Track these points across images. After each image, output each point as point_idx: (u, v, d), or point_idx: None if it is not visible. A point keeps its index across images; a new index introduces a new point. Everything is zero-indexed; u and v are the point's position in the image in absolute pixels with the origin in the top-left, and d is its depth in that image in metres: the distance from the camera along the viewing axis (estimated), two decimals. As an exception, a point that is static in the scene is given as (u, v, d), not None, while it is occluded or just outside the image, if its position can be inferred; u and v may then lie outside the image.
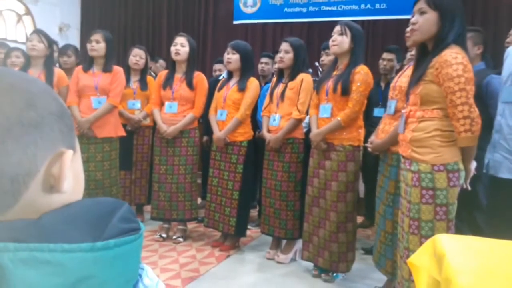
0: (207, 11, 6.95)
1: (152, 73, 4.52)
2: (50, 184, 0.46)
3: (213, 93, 3.51)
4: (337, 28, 2.76)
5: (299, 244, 3.16)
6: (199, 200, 3.89)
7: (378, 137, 2.53)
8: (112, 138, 3.38)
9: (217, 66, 4.74)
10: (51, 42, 3.43)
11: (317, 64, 4.08)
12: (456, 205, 1.93)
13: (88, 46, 3.35)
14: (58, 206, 0.46)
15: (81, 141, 3.26)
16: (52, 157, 0.46)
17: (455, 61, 1.83)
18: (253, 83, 3.32)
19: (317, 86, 2.90)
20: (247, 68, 3.35)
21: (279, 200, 3.15)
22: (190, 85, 3.40)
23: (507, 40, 3.10)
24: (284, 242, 3.29)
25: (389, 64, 3.74)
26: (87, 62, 3.43)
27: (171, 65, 3.54)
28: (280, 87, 3.19)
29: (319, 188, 2.82)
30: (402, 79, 2.44)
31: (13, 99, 0.44)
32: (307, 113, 3.07)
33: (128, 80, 3.78)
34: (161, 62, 5.29)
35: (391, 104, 2.46)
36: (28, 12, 6.81)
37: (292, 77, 3.13)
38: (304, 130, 3.20)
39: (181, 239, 3.50)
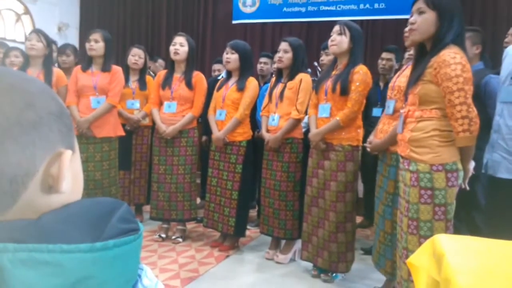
0: (206, 11, 6.95)
1: (151, 73, 4.52)
2: (48, 184, 0.46)
3: (212, 93, 3.51)
4: (336, 28, 2.76)
5: (298, 244, 3.16)
6: (198, 200, 3.89)
7: (377, 137, 2.53)
8: (111, 138, 3.38)
9: (216, 66, 4.74)
10: (50, 42, 3.42)
11: (316, 64, 4.08)
12: (454, 205, 1.94)
13: (87, 45, 3.35)
14: (57, 207, 0.46)
15: (80, 141, 3.25)
16: (51, 157, 0.45)
17: (453, 61, 1.83)
18: (252, 83, 3.31)
19: (316, 85, 2.90)
20: (246, 68, 3.35)
21: (278, 200, 3.15)
22: (189, 84, 3.40)
23: (506, 40, 3.10)
24: (283, 242, 3.29)
25: (388, 64, 3.74)
26: (86, 61, 3.42)
27: (170, 65, 3.54)
28: (279, 87, 3.19)
29: (318, 188, 2.82)
30: (401, 79, 2.44)
31: (12, 99, 0.43)
32: (306, 113, 3.08)
33: (127, 79, 3.77)
34: (160, 61, 5.28)
35: (390, 104, 2.46)
36: (27, 12, 6.80)
37: (291, 77, 3.12)
38: (303, 130, 3.20)
39: (180, 239, 3.50)
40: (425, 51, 2.00)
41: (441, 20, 1.91)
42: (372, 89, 2.97)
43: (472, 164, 1.97)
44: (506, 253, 1.31)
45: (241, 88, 3.28)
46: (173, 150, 3.45)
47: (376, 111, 3.63)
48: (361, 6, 5.85)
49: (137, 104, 3.89)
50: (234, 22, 6.57)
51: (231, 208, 3.30)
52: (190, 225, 3.80)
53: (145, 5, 7.28)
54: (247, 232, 3.55)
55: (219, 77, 4.01)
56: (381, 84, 3.81)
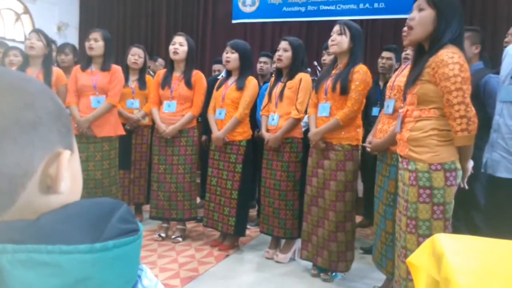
0: (206, 10, 6.95)
1: (151, 72, 4.51)
2: (47, 185, 0.45)
3: (212, 92, 3.51)
4: (336, 27, 2.76)
5: (298, 243, 3.16)
6: (198, 200, 3.89)
7: (376, 136, 2.53)
8: (111, 138, 3.38)
9: (216, 67, 4.73)
10: (49, 41, 3.42)
11: (315, 63, 4.08)
12: (453, 204, 1.94)
13: (87, 44, 3.34)
14: (56, 207, 0.46)
15: (80, 141, 3.25)
16: (50, 158, 0.45)
17: (451, 60, 1.83)
18: (251, 82, 3.31)
19: (316, 85, 2.90)
20: (246, 67, 3.35)
21: (278, 200, 3.15)
22: (188, 84, 3.40)
23: (506, 39, 3.10)
24: (283, 241, 3.29)
25: (388, 63, 3.75)
26: (85, 61, 3.42)
27: (170, 64, 3.54)
28: (279, 86, 3.18)
29: (317, 187, 2.82)
30: (400, 79, 2.44)
31: (11, 99, 0.43)
32: (305, 112, 3.08)
33: (126, 79, 3.77)
34: (160, 61, 5.28)
35: (390, 104, 2.46)
36: (27, 11, 6.80)
37: (291, 77, 3.12)
38: (303, 129, 3.20)
39: (180, 239, 3.50)
40: (424, 51, 2.01)
41: (440, 19, 1.91)
42: (372, 89, 2.97)
43: (470, 163, 1.97)
44: (506, 252, 1.31)
45: (240, 87, 3.28)
46: (173, 150, 3.45)
47: (375, 111, 3.63)
48: (361, 5, 5.85)
49: (137, 104, 3.89)
50: (233, 21, 6.58)
51: (231, 207, 3.30)
52: (190, 225, 3.80)
53: (144, 5, 7.28)
54: (247, 232, 3.55)
55: (219, 77, 4.01)
56: (381, 84, 3.81)
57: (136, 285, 0.50)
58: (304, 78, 3.09)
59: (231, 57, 3.32)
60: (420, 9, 1.94)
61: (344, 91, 2.69)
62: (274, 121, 3.14)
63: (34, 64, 3.33)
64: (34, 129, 0.44)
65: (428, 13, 1.92)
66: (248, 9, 6.46)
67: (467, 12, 5.16)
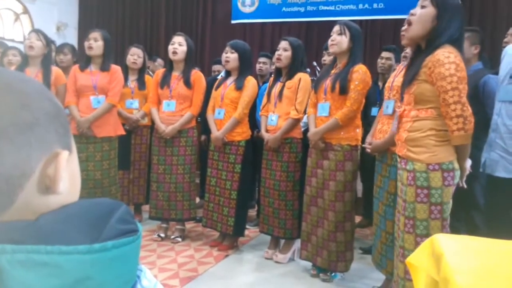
0: (205, 11, 6.95)
1: (150, 72, 4.51)
2: (45, 185, 0.45)
3: (211, 92, 3.50)
4: (336, 28, 2.77)
5: (297, 243, 3.16)
6: (197, 200, 3.89)
7: (376, 137, 2.53)
8: (111, 138, 3.38)
9: (215, 67, 4.73)
10: (49, 41, 3.42)
11: (315, 63, 4.08)
12: (451, 204, 1.94)
13: (86, 44, 3.34)
14: (56, 207, 0.46)
15: (80, 141, 3.25)
16: (47, 158, 0.45)
17: (447, 60, 1.84)
18: (250, 82, 3.31)
19: (315, 85, 2.90)
20: (245, 68, 3.35)
21: (278, 200, 3.15)
22: (187, 83, 3.40)
23: (505, 39, 3.11)
24: (282, 241, 3.29)
25: (387, 63, 3.75)
26: (84, 61, 3.42)
27: (169, 64, 3.54)
28: (278, 86, 3.18)
29: (317, 187, 2.83)
30: (399, 79, 2.44)
31: (8, 99, 0.43)
32: (305, 112, 3.08)
33: (126, 79, 3.76)
34: (159, 61, 5.28)
35: (389, 104, 2.46)
36: (26, 11, 6.80)
37: (290, 76, 3.12)
38: (303, 129, 3.20)
39: (179, 239, 3.50)
40: (421, 52, 2.01)
41: (440, 18, 1.91)
42: (371, 89, 2.97)
43: (468, 162, 1.98)
44: (505, 252, 1.31)
45: (239, 87, 3.28)
46: (172, 150, 3.45)
47: (375, 111, 3.62)
48: (360, 6, 5.86)
49: (136, 104, 3.89)
50: (233, 22, 6.58)
51: (230, 207, 3.30)
52: (189, 225, 3.80)
53: (144, 5, 7.28)
54: (246, 232, 3.56)
55: (218, 76, 4.01)
56: (380, 84, 3.81)
57: (135, 285, 0.50)
58: (303, 78, 3.09)
59: (230, 57, 3.32)
60: (422, 6, 1.95)
61: (343, 90, 2.69)
62: (273, 121, 3.14)
63: (33, 64, 3.33)
64: (31, 130, 0.44)
65: (429, 11, 1.93)
66: (247, 10, 6.46)
67: (466, 12, 5.16)
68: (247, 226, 3.63)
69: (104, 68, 3.34)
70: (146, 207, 3.85)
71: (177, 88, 3.41)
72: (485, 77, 2.78)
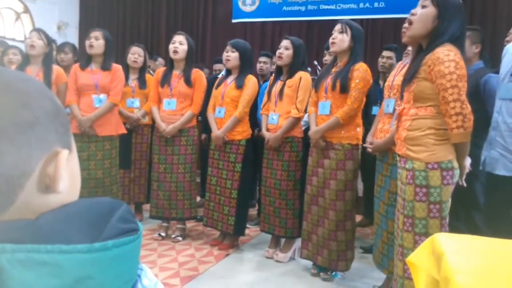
0: (206, 10, 6.95)
1: (151, 72, 4.51)
2: (45, 184, 0.45)
3: (212, 91, 3.50)
4: (338, 26, 2.76)
5: (298, 242, 3.16)
6: (198, 198, 3.89)
7: (377, 136, 2.52)
8: (112, 137, 3.38)
9: (217, 66, 4.74)
10: (50, 41, 3.42)
11: (315, 63, 4.08)
12: (449, 203, 1.94)
13: (87, 42, 3.34)
14: (56, 207, 0.46)
15: (82, 140, 3.26)
16: (47, 157, 0.45)
17: (447, 58, 1.84)
18: (250, 80, 3.31)
19: (316, 83, 2.90)
20: (246, 66, 3.35)
21: (279, 199, 3.15)
22: (188, 81, 3.40)
23: (507, 38, 3.10)
24: (283, 240, 3.29)
25: (388, 62, 3.75)
26: (85, 60, 3.42)
27: (169, 63, 3.54)
28: (278, 84, 3.18)
29: (318, 186, 2.83)
30: (399, 78, 2.44)
31: (8, 99, 0.43)
32: (305, 111, 3.08)
33: (126, 78, 3.76)
34: (160, 60, 5.28)
35: (390, 103, 2.46)
36: (27, 10, 6.80)
37: (291, 75, 3.12)
38: (303, 128, 3.20)
39: (180, 238, 3.50)
40: (422, 50, 2.01)
41: (441, 18, 1.91)
42: (372, 87, 2.97)
43: (468, 161, 1.98)
44: (505, 252, 1.31)
45: (240, 85, 3.28)
46: (173, 149, 3.45)
47: (375, 110, 3.62)
48: (361, 5, 5.85)
49: (137, 103, 3.89)
50: (234, 21, 6.58)
51: (230, 207, 3.30)
52: (190, 224, 3.81)
53: (144, 5, 7.28)
54: (247, 231, 3.56)
55: (219, 75, 4.01)
56: (381, 83, 3.81)
57: (136, 284, 0.50)
58: (304, 76, 3.09)
59: (231, 56, 3.32)
60: (423, 6, 1.95)
61: (344, 89, 2.69)
62: (274, 120, 3.14)
63: (35, 62, 3.33)
64: (31, 129, 0.44)
65: (430, 11, 1.93)
66: (248, 9, 6.46)
67: (467, 11, 5.15)
68: (247, 225, 3.63)
69: (105, 67, 3.34)
70: (146, 206, 3.85)
71: (178, 86, 3.41)
72: (486, 76, 2.78)
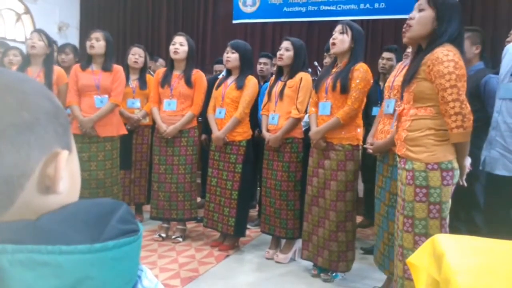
0: (206, 11, 6.96)
1: (152, 72, 4.52)
2: (45, 185, 0.45)
3: (212, 91, 3.50)
4: (338, 27, 2.77)
5: (298, 243, 3.16)
6: (198, 199, 3.88)
7: (377, 137, 2.52)
8: (113, 137, 3.39)
9: (217, 67, 4.73)
10: (51, 41, 3.43)
11: (316, 63, 4.08)
12: (449, 204, 1.94)
13: (88, 43, 3.34)
14: (56, 207, 0.46)
15: (83, 140, 3.26)
16: (47, 158, 0.45)
17: (446, 58, 1.84)
18: (251, 81, 3.31)
19: (316, 84, 2.90)
20: (246, 67, 3.35)
21: (279, 200, 3.15)
22: (188, 82, 3.40)
23: (507, 39, 3.10)
24: (283, 241, 3.29)
25: (388, 64, 3.75)
26: (85, 60, 3.42)
27: (170, 64, 3.54)
28: (279, 85, 3.19)
29: (318, 187, 2.83)
30: (399, 78, 2.44)
31: (7, 99, 0.43)
32: (306, 112, 3.08)
33: (127, 79, 3.76)
34: (161, 61, 5.28)
35: (390, 104, 2.46)
36: (27, 11, 6.81)
37: (291, 76, 3.13)
38: (304, 129, 3.20)
39: (180, 239, 3.50)
40: (422, 51, 2.01)
41: (439, 19, 1.92)
42: (372, 88, 2.97)
43: (468, 161, 1.98)
44: (505, 252, 1.31)
45: (240, 86, 3.28)
46: (174, 150, 3.45)
47: (376, 111, 3.61)
48: (361, 6, 5.86)
49: (138, 103, 3.89)
50: (234, 21, 6.58)
51: (231, 208, 3.30)
52: (190, 225, 3.81)
53: (145, 5, 7.29)
54: (247, 232, 3.55)
55: (219, 76, 4.01)
56: (381, 84, 3.81)
57: (136, 285, 0.50)
58: (304, 77, 3.09)
59: (231, 56, 3.32)
60: (420, 10, 1.96)
61: (344, 89, 2.69)
62: (274, 121, 3.14)
63: (35, 63, 3.34)
64: (31, 130, 0.44)
65: (428, 14, 1.93)
66: (248, 9, 6.46)
67: (467, 12, 5.16)
68: (248, 226, 3.62)
69: (106, 68, 3.35)
70: (147, 207, 3.85)
71: (178, 87, 3.41)
72: (486, 77, 2.78)
